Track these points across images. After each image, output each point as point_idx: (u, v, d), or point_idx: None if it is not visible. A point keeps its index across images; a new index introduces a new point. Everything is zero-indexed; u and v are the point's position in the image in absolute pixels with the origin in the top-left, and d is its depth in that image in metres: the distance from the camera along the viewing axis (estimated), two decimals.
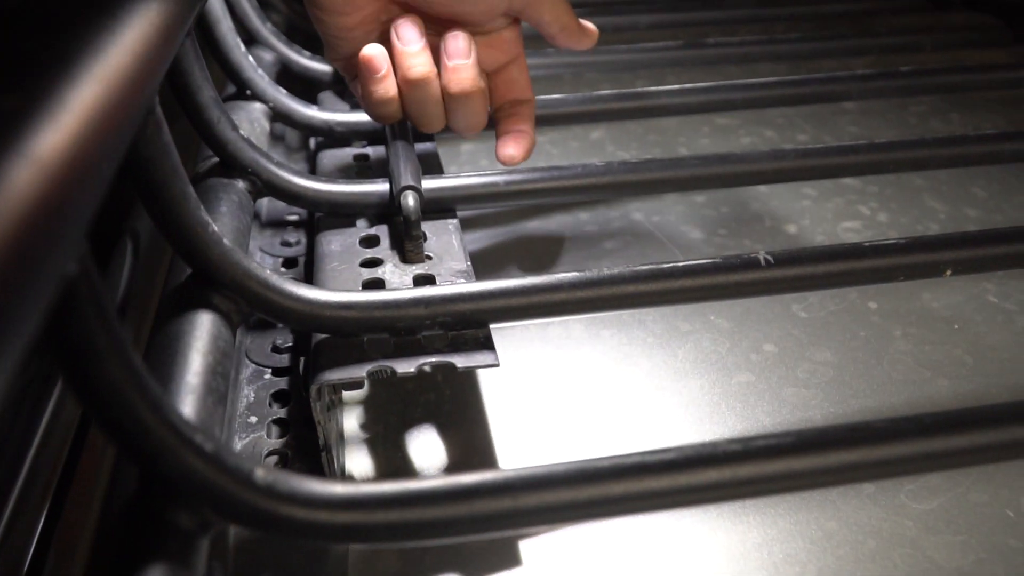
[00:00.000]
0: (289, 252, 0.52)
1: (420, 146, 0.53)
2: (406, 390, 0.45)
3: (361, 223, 0.46)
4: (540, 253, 0.57)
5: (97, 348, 0.21)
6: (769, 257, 0.40)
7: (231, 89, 0.55)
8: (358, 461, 0.41)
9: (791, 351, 0.48)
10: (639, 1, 0.91)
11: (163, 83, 0.34)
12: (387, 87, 0.47)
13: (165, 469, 0.24)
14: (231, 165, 0.43)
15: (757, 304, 0.51)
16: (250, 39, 0.62)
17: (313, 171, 0.55)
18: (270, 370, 0.42)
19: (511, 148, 0.49)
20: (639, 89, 0.63)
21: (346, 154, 0.55)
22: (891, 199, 0.63)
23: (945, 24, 0.89)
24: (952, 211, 0.61)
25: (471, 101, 0.47)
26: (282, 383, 0.42)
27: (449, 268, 0.42)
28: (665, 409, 0.44)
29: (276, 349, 0.43)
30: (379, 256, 0.43)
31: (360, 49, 0.46)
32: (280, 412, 0.40)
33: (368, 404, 0.44)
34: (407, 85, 0.46)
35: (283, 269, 0.51)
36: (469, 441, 0.42)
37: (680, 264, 0.39)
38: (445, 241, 0.44)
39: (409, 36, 0.46)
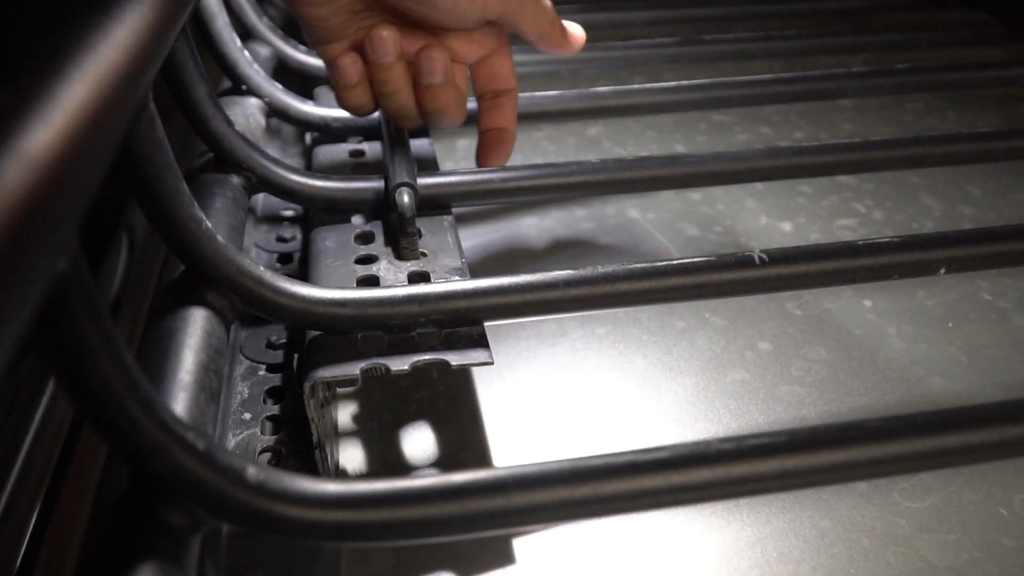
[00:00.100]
0: (284, 248, 0.52)
1: (416, 142, 0.53)
2: (400, 387, 0.45)
3: (356, 219, 0.46)
4: (535, 250, 0.57)
5: (88, 346, 0.21)
6: (764, 255, 0.40)
7: (227, 84, 0.55)
8: (352, 458, 0.41)
9: (786, 349, 0.48)
10: None
11: (158, 78, 0.34)
12: (359, 95, 0.47)
13: (156, 467, 0.24)
14: (226, 161, 0.43)
15: (752, 301, 0.51)
16: (246, 34, 0.62)
17: (309, 167, 0.55)
18: (264, 366, 0.42)
19: (492, 158, 0.50)
20: (636, 86, 0.63)
21: (342, 150, 0.55)
22: (886, 197, 0.63)
23: (941, 21, 0.89)
24: (947, 209, 0.61)
25: (446, 115, 0.48)
26: (276, 379, 0.41)
27: (444, 265, 0.42)
28: (659, 407, 0.44)
29: (270, 345, 0.43)
30: (374, 253, 0.43)
31: (337, 38, 0.46)
32: (274, 409, 0.40)
33: (362, 401, 0.44)
34: (380, 96, 0.47)
35: (278, 265, 0.51)
36: (463, 438, 0.42)
37: (675, 262, 0.39)
38: (440, 238, 0.44)
39: (382, 50, 0.46)
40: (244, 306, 0.35)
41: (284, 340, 0.43)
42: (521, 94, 0.61)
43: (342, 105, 0.49)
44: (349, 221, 0.46)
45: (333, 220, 0.46)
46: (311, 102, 0.56)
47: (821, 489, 0.39)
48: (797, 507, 0.38)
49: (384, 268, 0.42)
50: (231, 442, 0.38)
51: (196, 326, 0.32)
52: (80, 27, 0.23)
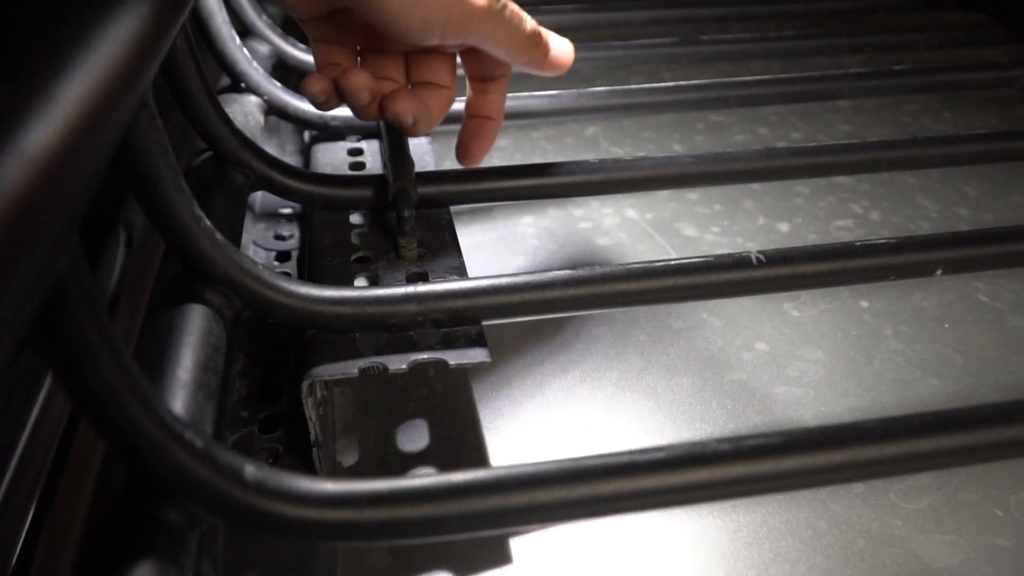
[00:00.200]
0: (282, 246, 0.52)
1: (414, 141, 0.53)
2: (398, 385, 0.45)
3: (355, 217, 0.46)
4: (533, 249, 0.57)
5: (87, 344, 0.21)
6: (761, 256, 0.40)
7: (225, 81, 0.55)
8: (349, 457, 0.41)
9: (783, 349, 0.48)
10: None
11: (157, 76, 0.34)
12: (331, 106, 0.44)
13: (154, 465, 0.24)
14: (225, 159, 0.43)
15: (749, 302, 0.51)
16: (245, 31, 0.62)
17: (307, 164, 0.55)
18: (262, 364, 0.42)
19: (467, 152, 0.47)
20: (634, 86, 0.63)
21: (340, 148, 0.55)
22: (883, 198, 0.63)
23: (938, 23, 0.89)
24: (944, 210, 0.61)
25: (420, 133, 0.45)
26: (274, 378, 0.41)
27: (442, 264, 0.42)
28: (656, 407, 0.44)
29: (268, 343, 0.43)
30: (372, 252, 0.43)
31: (310, 11, 0.43)
32: (272, 407, 0.40)
33: (360, 399, 0.44)
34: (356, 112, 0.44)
35: (276, 263, 0.51)
36: (460, 437, 0.42)
37: (672, 263, 0.39)
38: (438, 237, 0.44)
39: (353, 87, 0.42)
40: (242, 304, 0.35)
41: (282, 338, 0.43)
42: (519, 93, 0.61)
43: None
44: (347, 219, 0.46)
45: (331, 218, 0.46)
46: None
47: (817, 490, 0.39)
48: (793, 508, 0.38)
49: (383, 267, 0.42)
50: (229, 440, 0.38)
51: (194, 324, 0.32)
52: (81, 25, 0.23)
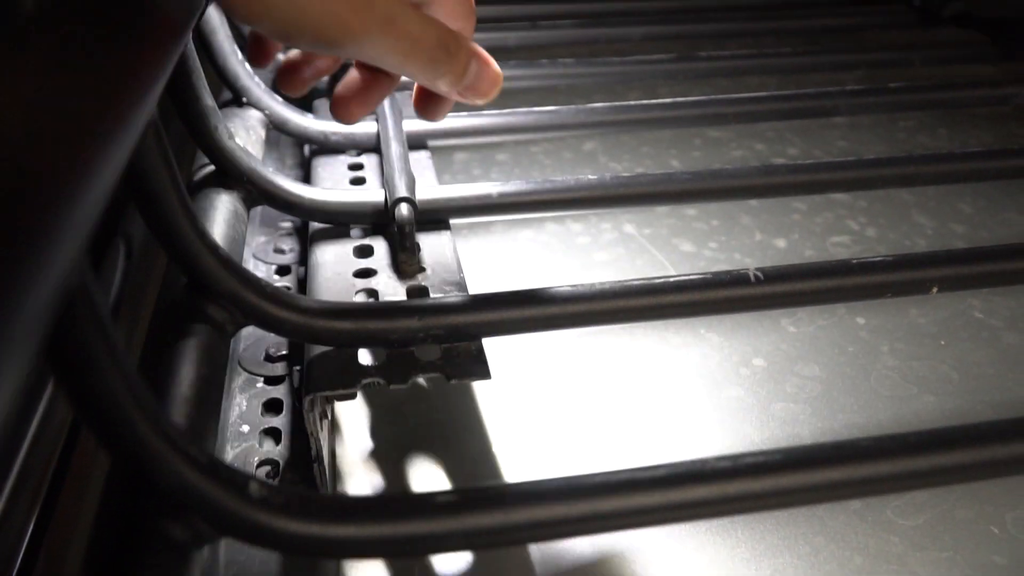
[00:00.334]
0: (282, 259, 0.52)
1: (414, 155, 0.53)
2: (398, 399, 0.45)
3: (355, 231, 0.47)
4: (532, 263, 0.57)
5: (95, 360, 0.22)
6: (759, 273, 0.40)
7: (227, 95, 0.56)
8: (350, 471, 0.41)
9: (780, 366, 0.48)
10: (632, 14, 0.91)
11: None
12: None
13: (159, 481, 0.24)
14: (227, 174, 0.43)
15: (747, 318, 0.51)
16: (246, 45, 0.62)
17: (307, 177, 0.55)
18: (262, 379, 0.43)
19: (425, 106, 0.40)
20: (632, 102, 0.63)
21: (341, 162, 0.55)
22: (879, 214, 0.63)
23: (933, 40, 0.90)
24: (939, 226, 0.62)
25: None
26: (274, 392, 0.42)
27: (443, 279, 0.42)
28: (655, 422, 0.44)
29: (269, 357, 0.43)
30: (373, 266, 0.43)
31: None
32: (272, 421, 0.40)
33: (360, 413, 0.44)
34: None
35: (276, 276, 0.51)
36: (461, 450, 0.42)
37: (672, 279, 0.39)
38: (439, 252, 0.44)
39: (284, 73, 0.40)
40: (245, 319, 0.35)
41: (283, 352, 0.44)
42: (517, 109, 0.61)
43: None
44: (348, 234, 0.46)
45: (332, 233, 0.46)
46: (310, 115, 0.57)
47: (815, 506, 0.39)
48: (791, 524, 0.38)
49: (383, 282, 0.42)
50: (229, 454, 0.38)
51: (198, 339, 0.32)
52: (91, 43, 0.23)
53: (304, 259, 0.50)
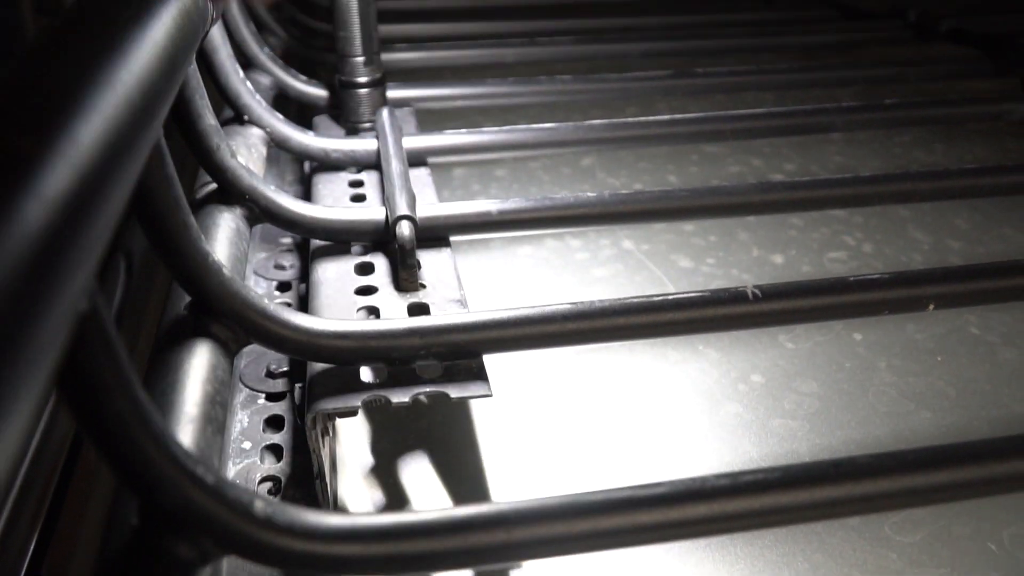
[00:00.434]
0: (282, 275, 0.53)
1: (414, 172, 0.54)
2: (399, 416, 0.45)
3: (355, 248, 0.47)
4: (531, 279, 0.57)
5: (104, 383, 0.22)
6: (757, 291, 0.40)
7: (228, 113, 0.56)
8: (350, 488, 0.42)
9: (778, 382, 0.48)
10: (630, 30, 0.92)
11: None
12: None
13: (166, 501, 0.24)
14: (230, 192, 0.43)
15: (745, 334, 0.52)
16: (247, 63, 0.63)
17: (307, 194, 0.55)
18: (264, 395, 0.43)
19: None
20: (629, 119, 0.64)
21: (341, 179, 0.55)
22: (876, 230, 0.64)
23: (928, 56, 0.91)
24: (936, 242, 0.62)
25: None
26: (275, 408, 0.42)
27: (443, 296, 0.42)
28: (654, 439, 0.45)
29: (270, 374, 0.44)
30: (374, 284, 0.43)
31: None
32: (273, 438, 0.40)
33: (361, 430, 0.45)
34: None
35: (277, 293, 0.51)
36: (460, 467, 0.43)
37: (670, 297, 0.40)
38: (439, 269, 0.45)
39: None
40: (248, 337, 0.35)
41: (284, 369, 0.44)
42: (517, 126, 0.62)
43: None
44: (348, 251, 0.47)
45: (333, 250, 0.46)
46: (311, 132, 0.57)
47: (813, 523, 0.39)
48: (789, 541, 0.39)
49: (384, 299, 0.42)
50: (231, 471, 0.38)
51: (202, 358, 0.32)
52: (97, 68, 0.23)
53: (304, 275, 0.51)
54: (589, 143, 0.63)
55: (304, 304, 0.48)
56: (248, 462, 0.39)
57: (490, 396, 0.36)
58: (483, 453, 0.43)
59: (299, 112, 0.67)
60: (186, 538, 0.25)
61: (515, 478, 0.42)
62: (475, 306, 0.41)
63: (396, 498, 0.41)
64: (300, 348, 0.36)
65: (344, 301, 0.42)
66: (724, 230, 0.63)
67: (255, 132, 0.54)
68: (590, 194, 0.50)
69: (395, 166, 0.50)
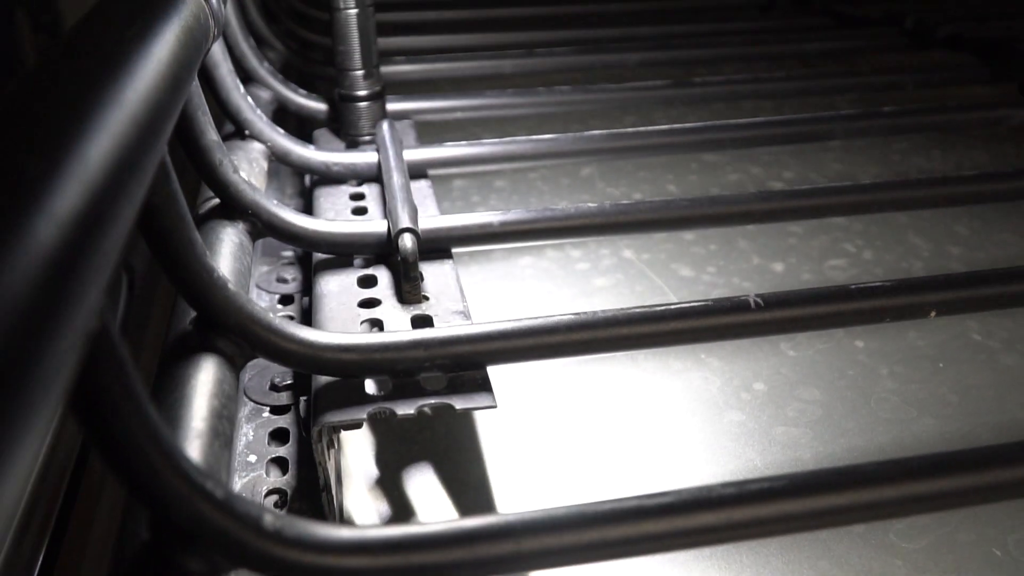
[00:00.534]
0: (285, 289, 0.53)
1: (414, 184, 0.54)
2: (403, 428, 0.45)
3: (357, 261, 0.47)
4: (532, 291, 0.58)
5: (115, 399, 0.22)
6: (759, 300, 0.40)
7: (229, 128, 0.56)
8: (356, 500, 0.42)
9: (780, 390, 0.48)
10: (627, 40, 0.92)
11: None
12: None
13: (177, 516, 0.24)
14: (232, 207, 0.44)
15: (747, 342, 0.52)
16: (247, 78, 0.63)
17: (308, 208, 0.56)
18: (268, 408, 0.43)
19: None
20: (628, 129, 0.64)
21: (343, 192, 0.56)
22: (876, 237, 0.64)
23: (926, 63, 0.91)
24: (935, 249, 0.63)
25: None
26: (280, 421, 0.42)
27: (446, 308, 0.42)
28: (657, 448, 0.45)
29: (274, 387, 0.44)
30: (377, 296, 0.44)
31: None
32: (279, 451, 0.40)
33: (365, 442, 0.45)
34: None
35: (279, 306, 0.52)
36: (465, 479, 0.43)
37: (673, 307, 0.40)
38: (442, 282, 0.45)
39: None
40: (254, 351, 0.35)
41: (288, 382, 0.44)
42: (517, 138, 0.62)
43: None
44: (351, 264, 0.47)
45: (335, 263, 0.47)
46: (311, 146, 0.57)
47: (819, 531, 0.39)
48: (795, 548, 0.39)
49: (387, 312, 0.42)
50: (237, 483, 0.38)
51: (208, 373, 0.33)
52: (103, 86, 0.23)
53: (306, 289, 0.51)
54: (588, 153, 0.63)
55: (307, 317, 0.48)
56: (254, 475, 0.39)
57: (495, 407, 0.36)
58: (488, 465, 0.43)
59: (298, 126, 0.67)
60: (197, 552, 0.25)
61: (520, 489, 0.42)
62: (477, 318, 0.41)
63: (402, 510, 0.41)
64: (305, 361, 0.36)
65: (348, 314, 0.42)
66: (724, 239, 0.63)
67: (256, 147, 0.54)
68: (591, 204, 0.50)
69: (396, 178, 0.51)
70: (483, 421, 0.46)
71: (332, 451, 0.40)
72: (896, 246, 0.63)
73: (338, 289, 0.44)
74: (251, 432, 0.41)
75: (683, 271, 0.59)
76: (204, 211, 0.44)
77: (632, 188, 0.71)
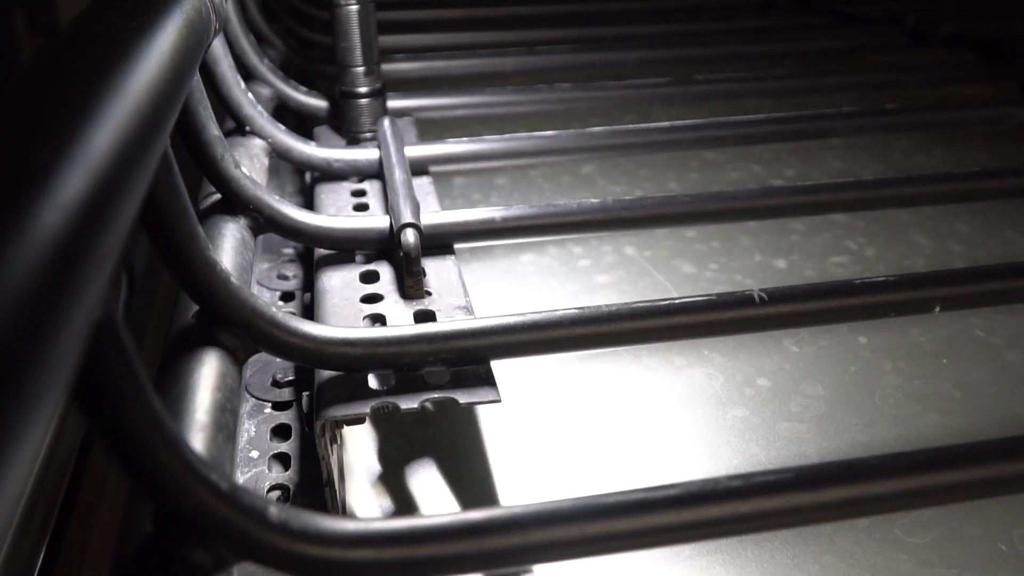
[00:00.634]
0: (286, 285, 0.53)
1: (416, 180, 0.54)
2: (405, 422, 0.45)
3: (359, 257, 0.47)
4: (534, 287, 0.57)
5: (120, 390, 0.22)
6: (763, 294, 0.40)
7: (230, 124, 0.56)
8: (358, 494, 0.41)
9: (784, 385, 0.48)
10: (628, 38, 0.92)
11: None
12: None
13: (183, 507, 0.24)
14: (234, 203, 0.44)
15: (749, 338, 0.52)
16: (247, 75, 0.63)
17: (309, 204, 0.56)
18: (270, 404, 0.43)
19: None
20: (629, 126, 0.64)
21: (344, 189, 0.55)
22: (878, 234, 0.64)
23: (927, 61, 0.91)
24: (937, 246, 0.62)
25: None
26: (282, 417, 0.42)
27: (449, 303, 0.42)
28: (661, 443, 0.45)
29: (276, 383, 0.44)
30: (379, 292, 0.43)
31: None
32: (281, 446, 0.40)
33: (367, 436, 0.45)
34: None
35: (280, 303, 0.51)
36: (468, 474, 0.43)
37: (677, 301, 0.40)
38: (444, 277, 0.45)
39: None
40: (257, 346, 0.35)
41: (290, 378, 0.44)
42: (517, 134, 0.62)
43: None
44: (353, 260, 0.47)
45: (337, 259, 0.46)
46: (312, 143, 0.57)
47: (824, 524, 0.39)
48: (800, 543, 0.39)
49: (390, 307, 0.42)
50: (240, 479, 0.38)
51: (211, 366, 0.32)
52: (108, 77, 0.23)
53: (307, 285, 0.51)
54: (589, 151, 0.63)
55: (308, 313, 0.48)
56: (256, 471, 0.39)
57: (499, 401, 0.36)
58: (491, 459, 0.43)
59: (298, 123, 0.67)
60: (202, 544, 0.25)
61: (523, 483, 0.42)
62: (479, 314, 0.41)
63: (405, 505, 0.41)
64: (309, 356, 0.36)
65: (350, 309, 0.42)
66: (726, 236, 0.63)
67: (257, 143, 0.54)
68: (593, 200, 0.50)
69: (398, 175, 0.51)
70: (486, 416, 0.46)
71: (335, 446, 0.40)
72: (898, 243, 0.63)
73: (340, 285, 0.44)
74: (253, 428, 0.41)
75: (685, 268, 0.59)
76: (205, 206, 0.44)
77: (633, 186, 0.71)
